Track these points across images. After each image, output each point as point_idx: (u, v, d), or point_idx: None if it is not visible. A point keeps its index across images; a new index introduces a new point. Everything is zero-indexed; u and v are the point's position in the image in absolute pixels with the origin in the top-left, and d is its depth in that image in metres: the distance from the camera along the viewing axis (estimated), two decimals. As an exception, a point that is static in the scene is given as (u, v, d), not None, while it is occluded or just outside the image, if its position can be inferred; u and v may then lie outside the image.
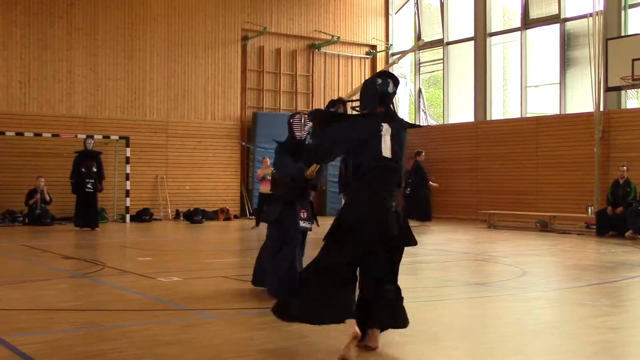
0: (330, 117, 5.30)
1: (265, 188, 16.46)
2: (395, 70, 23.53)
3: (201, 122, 20.05)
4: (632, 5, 17.15)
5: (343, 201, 5.66)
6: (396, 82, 5.12)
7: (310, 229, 6.83)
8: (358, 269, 4.88)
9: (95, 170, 15.50)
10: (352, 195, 4.94)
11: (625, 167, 14.79)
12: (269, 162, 16.96)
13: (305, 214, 6.72)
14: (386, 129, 4.88)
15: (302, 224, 6.69)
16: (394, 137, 4.89)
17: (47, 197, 16.80)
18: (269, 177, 16.44)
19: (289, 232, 6.73)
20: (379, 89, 5.04)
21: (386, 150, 4.84)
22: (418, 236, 5.21)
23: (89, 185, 15.32)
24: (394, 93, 5.11)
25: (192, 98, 19.98)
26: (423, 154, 18.08)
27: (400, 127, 5.01)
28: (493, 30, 20.31)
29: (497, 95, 20.59)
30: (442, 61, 21.88)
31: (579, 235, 14.85)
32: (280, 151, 6.77)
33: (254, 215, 17.17)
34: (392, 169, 4.87)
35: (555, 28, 18.78)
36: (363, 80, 22.39)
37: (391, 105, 5.12)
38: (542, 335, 5.40)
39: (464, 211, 20.08)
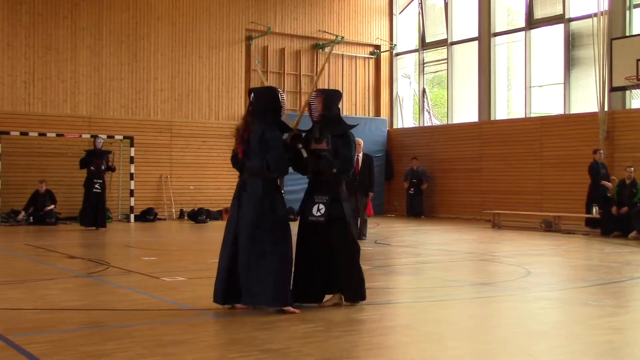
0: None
1: None
2: (400, 70, 23.55)
3: (205, 122, 20.07)
4: (637, 5, 17.12)
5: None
6: None
7: None
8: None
9: (104, 168, 15.57)
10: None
11: (632, 168, 14.74)
12: None
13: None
14: None
15: None
16: None
17: (52, 205, 16.80)
18: None
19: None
20: None
21: None
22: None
23: (96, 186, 15.36)
24: None
25: (196, 98, 20.01)
26: (600, 151, 15.99)
27: None
28: (497, 30, 20.28)
29: (501, 95, 20.57)
30: (446, 61, 21.86)
31: (584, 235, 14.82)
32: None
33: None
34: None
35: (559, 28, 18.75)
36: (367, 82, 22.02)
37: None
38: (546, 335, 5.40)
39: (468, 211, 20.07)
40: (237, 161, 6.27)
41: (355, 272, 6.28)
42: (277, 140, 6.06)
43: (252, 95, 6.27)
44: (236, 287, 6.04)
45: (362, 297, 6.33)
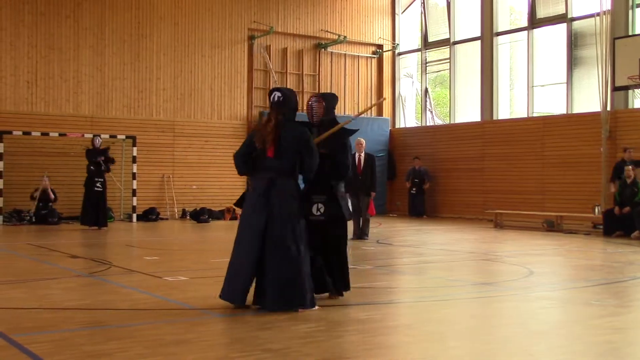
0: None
1: None
2: (402, 69, 23.55)
3: (208, 121, 20.08)
4: (639, 4, 17.09)
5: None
6: None
7: None
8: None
9: (103, 169, 15.57)
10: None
11: (632, 166, 14.71)
12: None
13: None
14: None
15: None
16: None
17: (52, 196, 16.86)
18: None
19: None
20: None
21: None
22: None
23: (97, 185, 15.37)
24: None
25: (199, 97, 20.02)
26: (630, 150, 15.29)
27: None
28: (500, 29, 20.27)
29: (503, 94, 20.55)
30: (448, 61, 21.85)
31: (586, 235, 14.81)
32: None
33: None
34: None
35: (562, 27, 18.73)
36: (366, 83, 22.07)
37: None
38: (548, 335, 5.40)
39: (470, 211, 20.06)
40: (247, 158, 6.19)
41: (346, 266, 6.56)
42: (314, 146, 6.20)
43: (279, 95, 6.20)
44: (259, 287, 6.08)
45: (349, 287, 6.60)
